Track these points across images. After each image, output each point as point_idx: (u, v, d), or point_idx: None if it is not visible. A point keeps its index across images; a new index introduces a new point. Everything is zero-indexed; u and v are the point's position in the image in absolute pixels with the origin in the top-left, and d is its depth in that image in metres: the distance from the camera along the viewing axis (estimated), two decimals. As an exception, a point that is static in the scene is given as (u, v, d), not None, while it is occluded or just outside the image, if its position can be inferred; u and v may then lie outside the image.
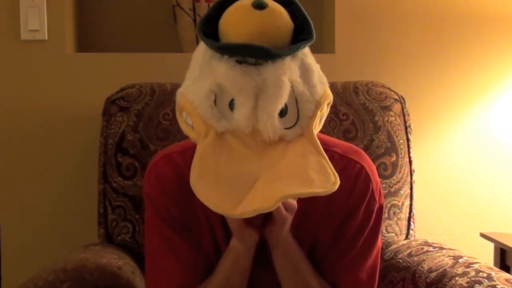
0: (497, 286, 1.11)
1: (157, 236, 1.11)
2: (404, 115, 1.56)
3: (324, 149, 0.95)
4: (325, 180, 0.89)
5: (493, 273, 1.17)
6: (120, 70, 1.70)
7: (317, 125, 0.97)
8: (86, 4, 1.88)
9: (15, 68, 1.70)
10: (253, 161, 0.91)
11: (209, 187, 0.88)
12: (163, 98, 1.52)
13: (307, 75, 0.96)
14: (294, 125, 0.94)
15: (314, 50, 1.00)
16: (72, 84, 1.71)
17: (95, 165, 1.53)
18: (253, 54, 0.91)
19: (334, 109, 1.52)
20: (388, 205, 1.50)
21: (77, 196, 1.70)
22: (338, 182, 0.89)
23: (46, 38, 1.69)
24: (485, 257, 1.74)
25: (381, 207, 1.12)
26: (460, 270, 1.21)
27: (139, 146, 1.48)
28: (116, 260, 1.31)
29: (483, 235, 1.65)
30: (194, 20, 1.74)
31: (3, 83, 1.70)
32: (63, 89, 1.71)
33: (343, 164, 1.08)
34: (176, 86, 1.53)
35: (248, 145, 0.92)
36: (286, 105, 0.93)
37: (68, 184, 1.71)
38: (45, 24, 1.69)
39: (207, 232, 1.10)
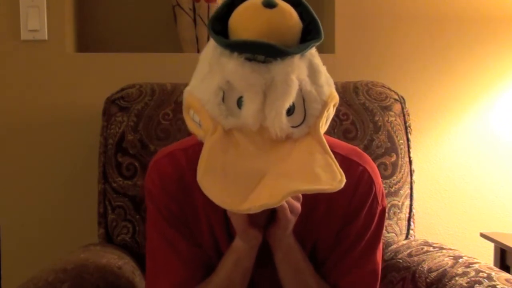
0: (497, 286, 1.11)
1: (157, 232, 1.11)
2: (404, 115, 1.56)
3: None
4: (332, 178, 0.89)
5: (493, 273, 1.17)
6: (120, 70, 1.70)
7: (324, 125, 0.97)
8: (86, 4, 1.88)
9: (15, 68, 1.70)
10: (260, 157, 0.91)
11: (216, 183, 0.88)
12: (163, 98, 1.52)
13: (315, 75, 0.96)
14: (301, 124, 0.94)
15: (314, 50, 1.01)
16: (72, 84, 1.71)
17: (95, 165, 1.53)
18: (263, 51, 0.90)
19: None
20: (388, 205, 1.50)
21: (77, 196, 1.70)
22: (344, 180, 0.89)
23: (46, 38, 1.69)
24: (485, 257, 1.74)
25: (383, 210, 1.12)
26: (460, 270, 1.20)
27: (139, 146, 1.48)
28: (116, 260, 1.31)
29: (483, 235, 1.65)
30: (194, 20, 1.74)
31: (3, 83, 1.70)
32: (63, 89, 1.71)
33: (346, 166, 1.06)
34: (176, 86, 1.54)
35: (255, 142, 0.92)
36: (293, 104, 0.93)
37: (68, 184, 1.70)
38: (45, 24, 1.69)
39: (207, 232, 1.10)
